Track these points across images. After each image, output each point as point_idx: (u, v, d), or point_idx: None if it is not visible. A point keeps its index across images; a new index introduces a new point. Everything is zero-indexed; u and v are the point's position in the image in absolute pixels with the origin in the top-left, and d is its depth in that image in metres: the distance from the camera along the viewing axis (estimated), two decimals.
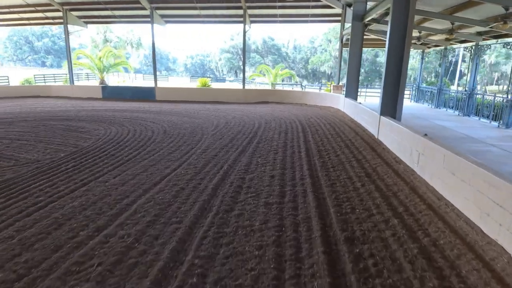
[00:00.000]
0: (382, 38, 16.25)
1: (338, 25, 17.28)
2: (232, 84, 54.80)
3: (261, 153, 6.65)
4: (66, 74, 23.56)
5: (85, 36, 37.06)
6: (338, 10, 15.82)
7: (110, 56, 20.27)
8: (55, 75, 32.07)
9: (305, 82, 63.56)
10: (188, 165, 5.82)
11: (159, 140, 7.80)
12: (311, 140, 7.83)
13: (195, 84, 20.12)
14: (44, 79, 32.35)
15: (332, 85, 17.08)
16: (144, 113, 12.49)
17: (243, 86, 17.75)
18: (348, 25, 15.81)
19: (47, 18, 18.74)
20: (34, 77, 31.80)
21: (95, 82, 21.11)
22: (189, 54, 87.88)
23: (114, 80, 35.38)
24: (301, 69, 67.74)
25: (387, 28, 7.48)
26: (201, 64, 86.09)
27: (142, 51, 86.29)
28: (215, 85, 44.51)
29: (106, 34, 33.98)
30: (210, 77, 65.94)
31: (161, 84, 40.56)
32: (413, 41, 16.89)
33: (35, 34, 71.49)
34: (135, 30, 36.87)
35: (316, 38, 69.17)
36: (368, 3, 11.88)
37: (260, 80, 25.25)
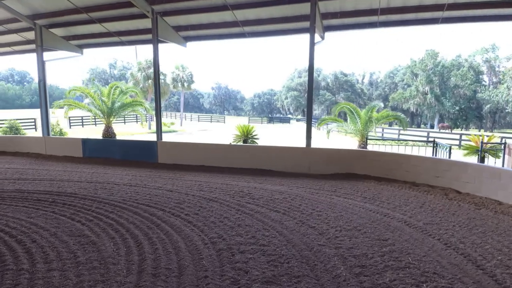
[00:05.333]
0: None
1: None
2: (298, 124, 46.26)
3: None
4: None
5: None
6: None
7: (117, 93, 13.71)
8: (35, 120, 24.28)
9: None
10: None
11: None
12: None
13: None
14: (35, 126, 25.06)
15: (508, 147, 7.44)
16: (87, 212, 4.66)
17: (308, 143, 9.10)
18: None
19: (21, 42, 12.58)
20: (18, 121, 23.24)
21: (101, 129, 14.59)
22: (256, 92, 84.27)
23: (167, 121, 29.16)
24: None
25: None
26: (268, 103, 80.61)
27: (207, 90, 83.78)
28: (276, 127, 35.88)
29: (148, 71, 28.84)
30: (273, 117, 58.34)
31: (194, 131, 28.71)
32: None
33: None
34: (185, 64, 31.05)
35: (397, 73, 58.15)
36: None
37: (333, 124, 15.96)
